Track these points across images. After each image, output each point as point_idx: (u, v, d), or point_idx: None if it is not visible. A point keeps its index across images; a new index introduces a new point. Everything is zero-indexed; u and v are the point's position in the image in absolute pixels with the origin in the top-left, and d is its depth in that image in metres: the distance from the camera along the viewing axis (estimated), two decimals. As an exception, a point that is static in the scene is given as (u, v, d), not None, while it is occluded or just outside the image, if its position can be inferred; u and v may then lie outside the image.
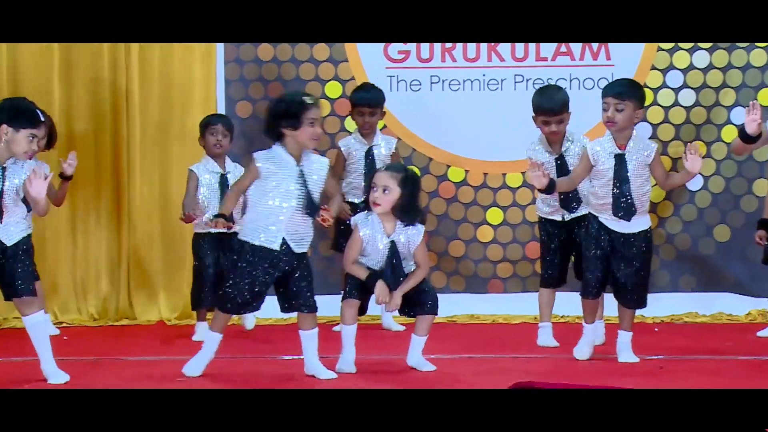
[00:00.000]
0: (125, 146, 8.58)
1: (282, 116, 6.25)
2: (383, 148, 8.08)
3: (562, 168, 7.26)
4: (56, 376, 6.21)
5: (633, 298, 6.76)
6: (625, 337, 6.79)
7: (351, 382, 6.35)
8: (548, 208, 7.43)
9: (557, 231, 7.43)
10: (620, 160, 6.61)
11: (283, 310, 6.54)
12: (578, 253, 7.25)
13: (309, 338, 6.46)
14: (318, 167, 6.40)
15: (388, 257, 6.51)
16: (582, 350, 6.81)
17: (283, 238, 6.28)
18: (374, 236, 6.50)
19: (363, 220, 6.55)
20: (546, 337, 7.44)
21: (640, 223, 6.71)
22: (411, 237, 6.53)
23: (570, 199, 7.28)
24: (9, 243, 6.22)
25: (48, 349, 6.26)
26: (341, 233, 7.62)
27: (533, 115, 7.35)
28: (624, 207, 6.61)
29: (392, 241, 6.50)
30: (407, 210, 6.48)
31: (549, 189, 6.70)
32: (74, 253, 8.48)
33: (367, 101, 8.00)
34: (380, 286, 6.46)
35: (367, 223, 6.53)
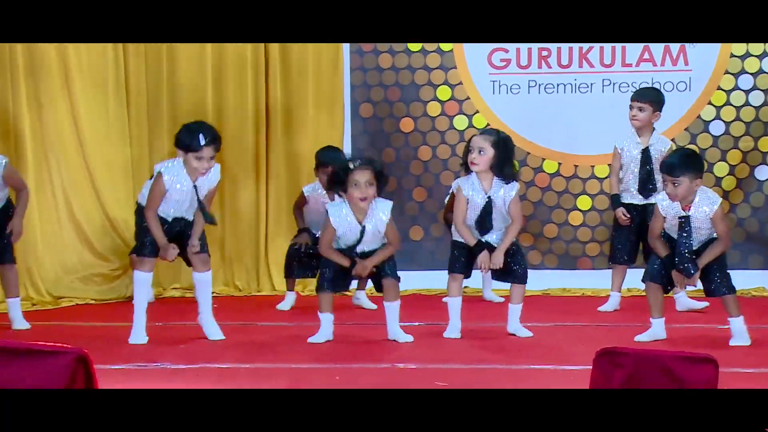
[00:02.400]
0: (264, 140, 8.56)
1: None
2: None
3: (645, 159, 7.25)
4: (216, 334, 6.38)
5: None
6: (735, 324, 6.26)
7: (456, 345, 6.22)
8: (629, 194, 7.40)
9: (632, 210, 7.36)
10: (685, 220, 6.19)
11: (377, 289, 6.47)
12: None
13: (391, 309, 6.35)
14: None
15: (482, 211, 6.37)
16: (643, 338, 6.32)
17: None
18: (473, 192, 6.38)
19: (464, 182, 6.45)
20: (606, 305, 7.49)
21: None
22: (507, 192, 6.38)
23: (647, 184, 7.27)
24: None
25: (209, 302, 6.43)
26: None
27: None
28: (686, 265, 6.20)
29: (489, 197, 6.35)
30: (502, 166, 6.36)
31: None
32: (223, 233, 8.45)
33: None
34: (483, 255, 6.35)
35: (467, 184, 6.42)
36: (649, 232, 6.46)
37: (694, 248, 6.21)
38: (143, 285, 6.35)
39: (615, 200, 7.48)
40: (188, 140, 6.17)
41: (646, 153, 7.27)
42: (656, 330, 6.31)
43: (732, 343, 6.17)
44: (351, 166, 6.21)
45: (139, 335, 6.31)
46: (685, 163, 6.20)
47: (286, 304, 7.68)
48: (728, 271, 6.32)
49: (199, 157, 6.15)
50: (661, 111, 7.39)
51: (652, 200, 7.12)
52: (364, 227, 6.22)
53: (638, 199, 7.34)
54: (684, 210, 6.18)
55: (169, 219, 6.32)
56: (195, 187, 6.25)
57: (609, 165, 8.34)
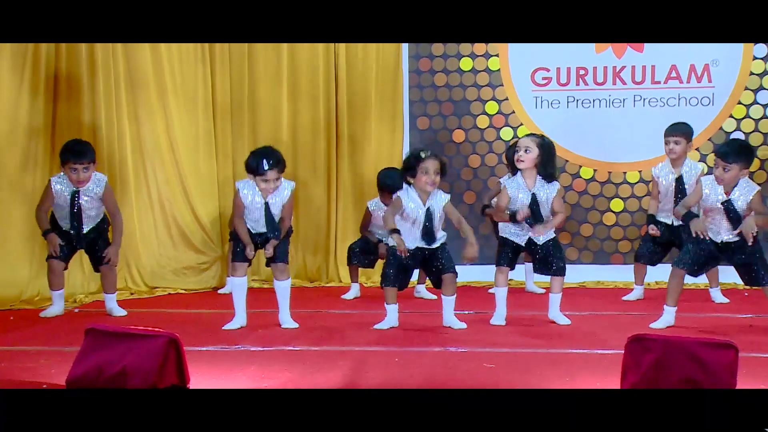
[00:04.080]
0: (334, 150, 8.61)
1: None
2: None
3: (679, 186, 7.16)
4: (290, 323, 6.35)
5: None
6: None
7: (502, 331, 6.18)
8: (663, 214, 7.30)
9: (664, 229, 7.29)
10: (727, 204, 6.09)
11: (435, 286, 6.41)
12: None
13: (448, 302, 6.32)
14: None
15: (529, 205, 6.33)
16: (657, 325, 6.23)
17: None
18: (518, 192, 6.35)
19: (509, 182, 6.43)
20: (630, 295, 7.50)
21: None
22: (549, 191, 6.34)
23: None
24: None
25: (287, 305, 6.37)
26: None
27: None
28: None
29: (533, 194, 6.31)
30: (545, 165, 6.31)
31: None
32: (297, 231, 8.48)
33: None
34: (522, 212, 6.31)
35: (512, 183, 6.40)
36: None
37: (727, 238, 6.10)
38: (239, 289, 6.34)
39: (649, 218, 7.40)
40: (254, 165, 6.21)
41: (679, 181, 7.17)
42: (668, 317, 6.23)
43: None
44: (422, 155, 6.21)
45: (239, 320, 6.32)
46: (738, 152, 6.07)
47: (350, 294, 7.70)
48: (766, 260, 6.17)
49: (265, 180, 6.20)
50: (691, 142, 7.28)
51: (680, 223, 7.13)
52: (428, 207, 6.23)
53: (671, 220, 7.27)
54: (726, 194, 6.07)
55: (254, 232, 6.36)
56: (267, 203, 6.29)
57: (640, 171, 8.37)
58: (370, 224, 7.74)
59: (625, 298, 7.50)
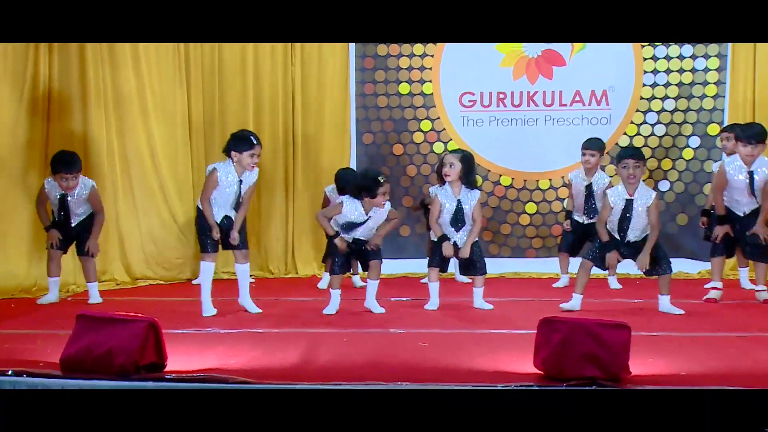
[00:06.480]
0: (291, 160, 8.56)
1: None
2: None
3: (589, 192, 7.27)
4: (254, 309, 6.28)
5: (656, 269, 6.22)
6: (664, 300, 6.23)
7: (434, 315, 6.19)
8: (577, 214, 7.41)
9: (577, 225, 7.41)
10: (630, 204, 6.18)
11: (364, 269, 6.43)
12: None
13: (372, 286, 6.33)
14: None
15: (454, 212, 6.38)
16: (566, 306, 6.30)
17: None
18: (447, 199, 6.39)
19: (440, 191, 6.47)
20: (558, 283, 7.53)
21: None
22: (472, 198, 6.39)
23: (590, 211, 7.31)
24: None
25: (247, 287, 6.29)
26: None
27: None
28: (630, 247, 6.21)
29: (459, 200, 6.35)
30: (467, 176, 6.39)
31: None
32: (260, 229, 8.46)
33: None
34: (446, 246, 6.37)
35: (443, 193, 6.44)
36: (598, 219, 6.42)
37: (633, 238, 6.17)
38: (208, 272, 6.22)
39: (567, 213, 7.54)
40: (244, 142, 6.06)
41: (589, 188, 7.27)
42: (575, 302, 6.30)
43: (675, 313, 6.12)
44: (381, 180, 6.22)
45: (209, 309, 6.18)
46: (641, 153, 6.29)
47: (323, 283, 7.57)
48: (666, 254, 6.26)
49: (252, 154, 6.08)
50: (604, 155, 7.37)
51: (592, 221, 7.18)
52: (369, 217, 6.23)
53: (582, 219, 7.38)
54: (630, 195, 6.15)
55: (219, 218, 6.25)
56: (241, 181, 6.18)
57: (551, 180, 8.44)
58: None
59: (555, 285, 7.52)
